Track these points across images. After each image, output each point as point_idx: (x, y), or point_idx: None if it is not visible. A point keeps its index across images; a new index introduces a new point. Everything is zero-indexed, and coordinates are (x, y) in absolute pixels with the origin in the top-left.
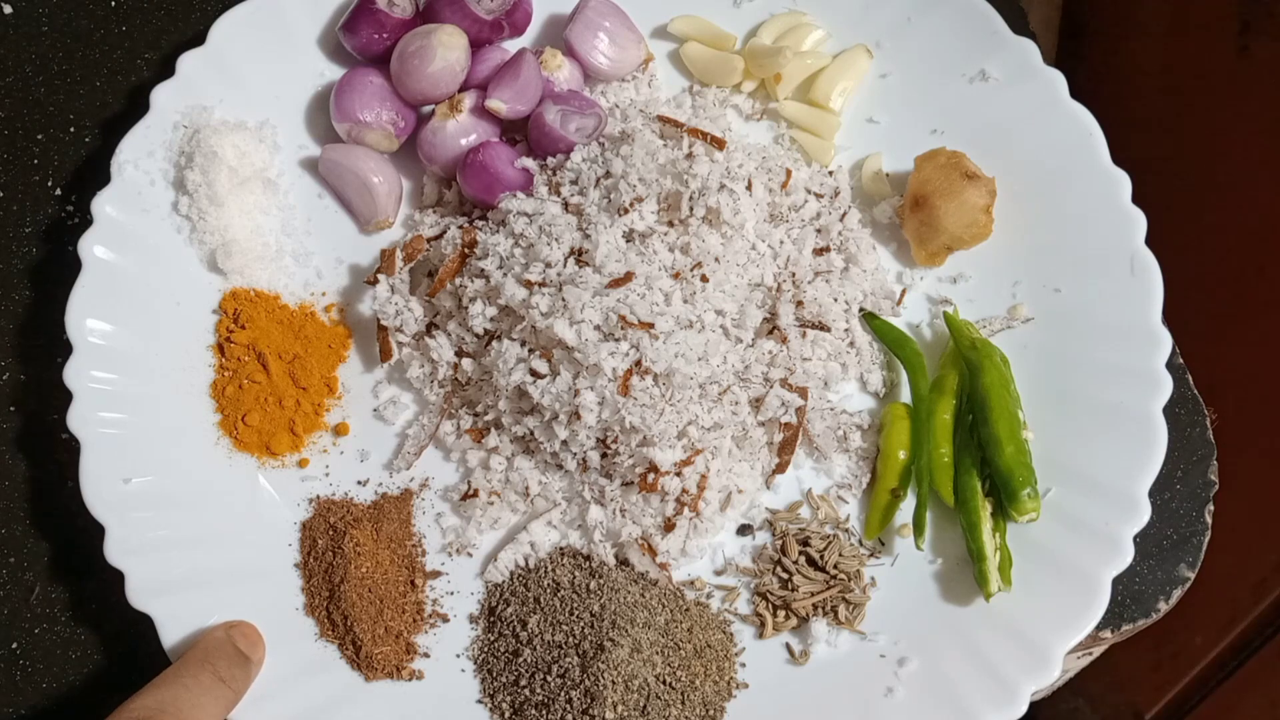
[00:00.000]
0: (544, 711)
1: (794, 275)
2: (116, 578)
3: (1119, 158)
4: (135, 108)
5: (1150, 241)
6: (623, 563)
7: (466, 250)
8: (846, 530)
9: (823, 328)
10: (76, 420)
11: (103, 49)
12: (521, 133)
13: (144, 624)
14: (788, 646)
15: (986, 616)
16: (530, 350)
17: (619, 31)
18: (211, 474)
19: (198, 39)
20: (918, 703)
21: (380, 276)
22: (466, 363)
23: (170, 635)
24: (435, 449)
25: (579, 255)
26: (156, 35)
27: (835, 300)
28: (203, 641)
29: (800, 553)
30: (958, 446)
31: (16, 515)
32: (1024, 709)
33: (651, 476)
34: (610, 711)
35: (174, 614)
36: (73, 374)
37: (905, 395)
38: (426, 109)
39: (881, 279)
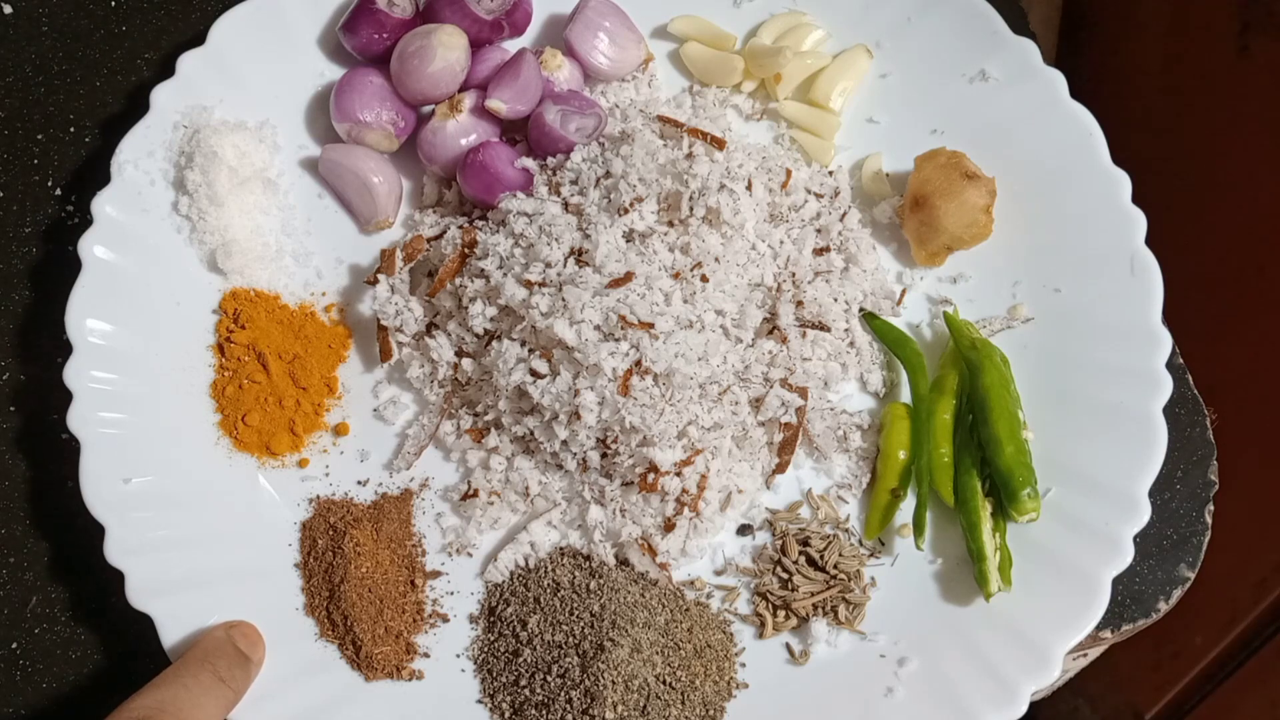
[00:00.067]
0: (544, 711)
1: (794, 275)
2: (116, 578)
3: (1119, 158)
4: (135, 108)
5: (1150, 241)
6: (623, 563)
7: (466, 250)
8: (846, 530)
9: (823, 328)
10: (76, 420)
11: (103, 49)
12: (521, 133)
13: (144, 624)
14: (788, 646)
15: (986, 616)
16: (530, 350)
17: (619, 31)
18: (211, 474)
19: (198, 39)
20: (918, 703)
21: (380, 276)
22: (466, 363)
23: (170, 635)
24: (435, 449)
25: (579, 255)
26: (156, 35)
27: (835, 300)
28: (203, 641)
29: (800, 553)
30: (958, 446)
31: (16, 515)
32: (1024, 709)
33: (651, 476)
34: (610, 711)
35: (174, 614)
36: (73, 374)
37: (905, 395)
38: (426, 109)
39: (881, 279)
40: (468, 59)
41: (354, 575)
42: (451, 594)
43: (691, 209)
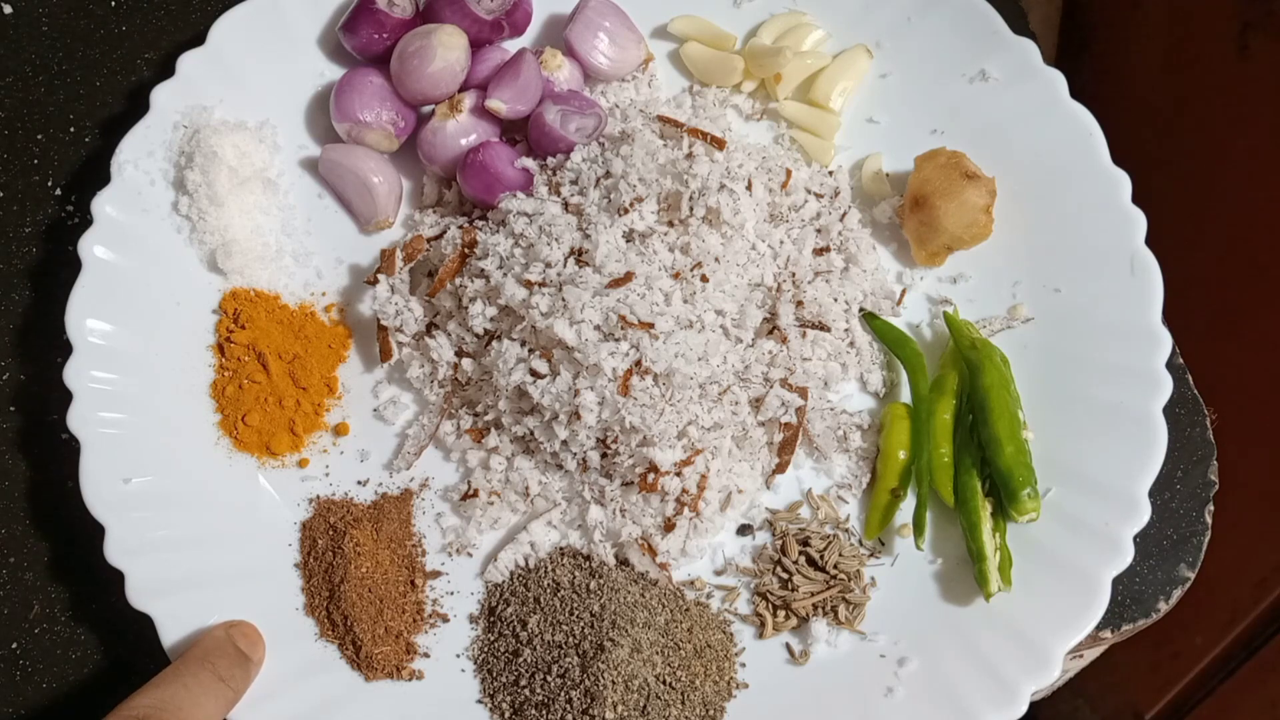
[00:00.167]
0: (544, 711)
1: (794, 275)
2: (116, 578)
3: (1119, 158)
4: (135, 108)
5: (1150, 241)
6: (623, 563)
7: (466, 250)
8: (846, 530)
9: (823, 328)
10: (76, 420)
11: (103, 49)
12: (521, 133)
13: (144, 624)
14: (788, 646)
15: (986, 616)
16: (530, 350)
17: (619, 31)
18: (211, 474)
19: (198, 39)
20: (918, 703)
21: (380, 276)
22: (466, 363)
23: (170, 635)
24: (435, 449)
25: (579, 255)
26: (156, 35)
27: (835, 300)
28: (203, 641)
29: (800, 553)
30: (958, 446)
31: (16, 515)
32: (1024, 709)
33: (651, 476)
34: (610, 711)
35: (174, 614)
36: (73, 374)
37: (905, 395)
38: (426, 109)
39: (881, 279)
40: (468, 59)
41: (354, 575)
42: (451, 594)
43: (691, 209)
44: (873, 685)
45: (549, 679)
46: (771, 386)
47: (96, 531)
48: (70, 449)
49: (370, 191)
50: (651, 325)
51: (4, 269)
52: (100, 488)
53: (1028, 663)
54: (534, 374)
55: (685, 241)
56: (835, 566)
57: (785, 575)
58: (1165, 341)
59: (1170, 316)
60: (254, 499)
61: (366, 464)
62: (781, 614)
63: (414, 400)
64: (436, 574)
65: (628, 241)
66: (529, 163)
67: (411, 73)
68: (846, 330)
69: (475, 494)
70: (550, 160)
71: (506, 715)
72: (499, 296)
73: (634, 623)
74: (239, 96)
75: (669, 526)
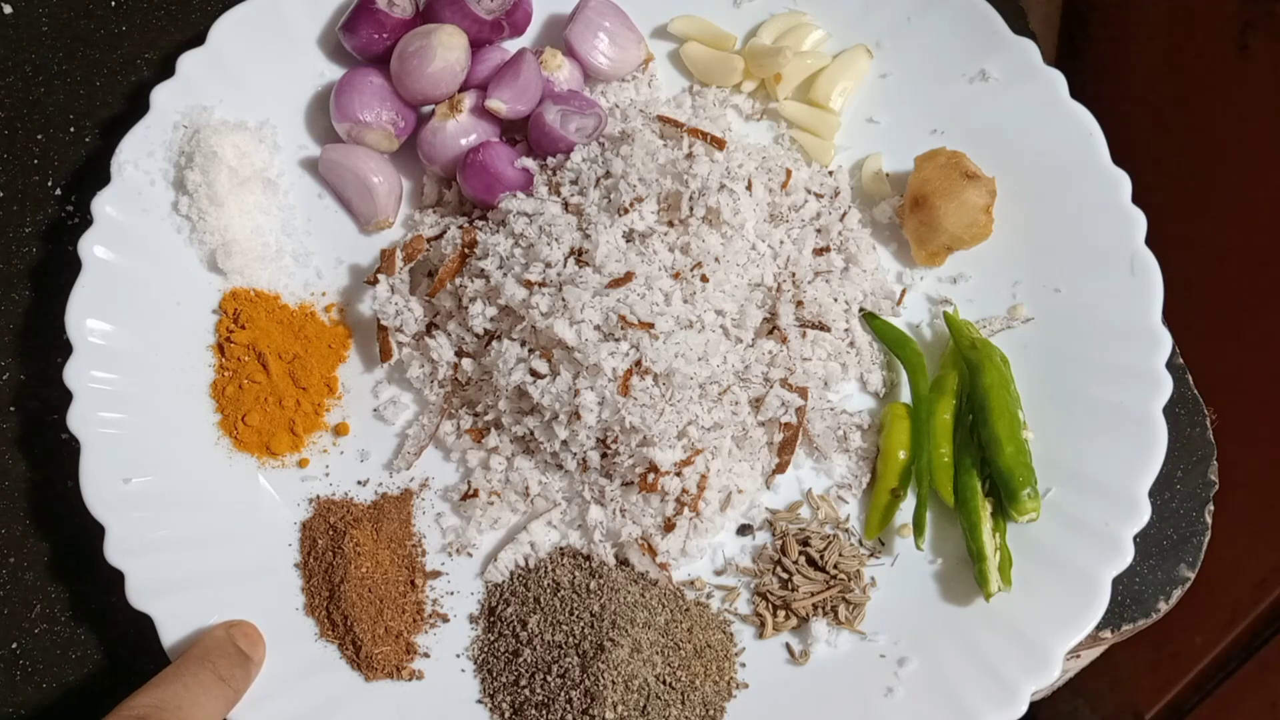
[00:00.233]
0: (544, 711)
1: (794, 275)
2: (116, 578)
3: (1119, 158)
4: (135, 108)
5: (1150, 241)
6: (623, 563)
7: (466, 250)
8: (846, 530)
9: (823, 328)
10: (76, 420)
11: (103, 49)
12: (521, 133)
13: (144, 624)
14: (788, 646)
15: (986, 616)
16: (530, 350)
17: (619, 31)
18: (211, 474)
19: (198, 39)
20: (918, 703)
21: (380, 276)
22: (466, 363)
23: (170, 635)
24: (435, 449)
25: (579, 255)
26: (156, 35)
27: (835, 300)
28: (203, 640)
29: (800, 553)
30: (958, 446)
31: (16, 515)
32: (1024, 709)
33: (651, 476)
34: (610, 711)
35: (174, 614)
36: (73, 374)
37: (905, 395)
38: (426, 109)
39: (881, 279)
40: (468, 59)
41: (354, 575)
42: (451, 594)
43: (691, 209)
44: (873, 685)
45: (549, 679)
46: (771, 386)
47: (96, 531)
48: (70, 449)
49: (370, 191)
50: (651, 325)
51: (4, 269)
52: (100, 488)
53: (1028, 663)
54: (534, 374)
55: (685, 241)
56: (835, 566)
57: (785, 575)
58: (1165, 341)
59: (1170, 316)
60: (254, 499)
61: (366, 464)
62: (781, 614)
63: (414, 400)
64: (436, 574)
65: (628, 241)
66: (529, 163)
67: (411, 73)
68: (846, 330)
69: (475, 494)
70: (550, 160)
71: (506, 715)
72: (499, 296)
73: (634, 623)
74: (239, 96)
75: (669, 526)
